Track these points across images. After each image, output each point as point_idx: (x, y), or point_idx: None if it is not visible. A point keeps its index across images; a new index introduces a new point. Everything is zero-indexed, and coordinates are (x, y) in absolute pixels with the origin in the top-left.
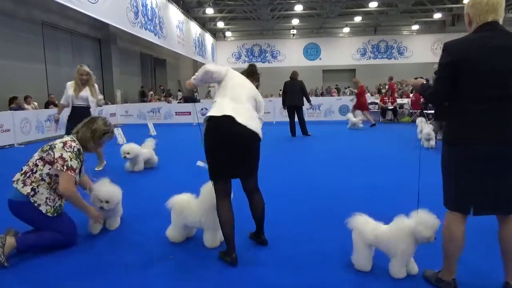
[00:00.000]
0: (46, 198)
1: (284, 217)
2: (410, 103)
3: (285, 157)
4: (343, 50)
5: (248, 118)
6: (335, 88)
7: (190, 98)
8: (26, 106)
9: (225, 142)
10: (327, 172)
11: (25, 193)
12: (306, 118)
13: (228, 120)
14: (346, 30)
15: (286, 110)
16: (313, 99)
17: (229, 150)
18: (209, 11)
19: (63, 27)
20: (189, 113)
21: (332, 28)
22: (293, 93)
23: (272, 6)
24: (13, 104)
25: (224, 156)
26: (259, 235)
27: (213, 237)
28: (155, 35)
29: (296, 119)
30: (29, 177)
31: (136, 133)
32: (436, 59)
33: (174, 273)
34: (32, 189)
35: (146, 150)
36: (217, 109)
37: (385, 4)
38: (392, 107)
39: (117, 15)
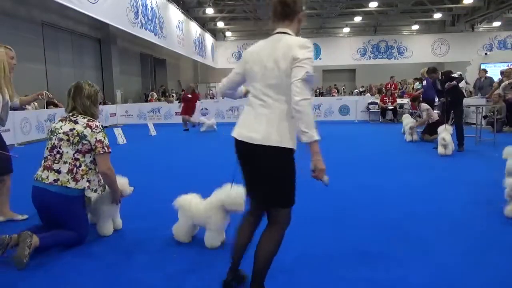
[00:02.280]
0: (98, 181)
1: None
2: (409, 103)
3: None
4: (343, 50)
5: (253, 123)
6: (334, 88)
7: None
8: (26, 106)
9: (239, 161)
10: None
11: (83, 187)
12: None
13: (235, 141)
14: (346, 30)
15: None
16: (313, 99)
17: (242, 169)
18: (209, 11)
19: (63, 27)
20: None
21: (332, 28)
22: None
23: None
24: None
25: (243, 175)
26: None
27: (214, 238)
28: (155, 35)
29: None
30: (76, 172)
31: (137, 133)
32: (437, 59)
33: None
34: (88, 181)
35: None
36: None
37: (385, 4)
38: (392, 107)
39: (117, 15)
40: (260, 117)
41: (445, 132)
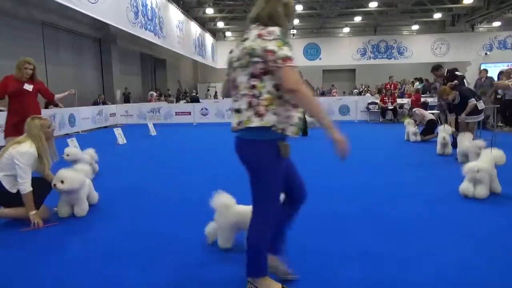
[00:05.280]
0: (287, 117)
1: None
2: (410, 103)
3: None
4: (343, 50)
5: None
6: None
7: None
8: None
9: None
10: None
11: (270, 124)
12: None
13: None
14: (346, 30)
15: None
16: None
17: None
18: (209, 11)
19: (63, 27)
20: (189, 113)
21: (332, 28)
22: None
23: None
24: None
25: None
26: None
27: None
28: (155, 35)
29: None
30: (257, 105)
31: (136, 133)
32: (437, 59)
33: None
34: (275, 113)
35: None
36: None
37: (385, 4)
38: (392, 107)
39: (117, 15)
40: None
41: (444, 132)
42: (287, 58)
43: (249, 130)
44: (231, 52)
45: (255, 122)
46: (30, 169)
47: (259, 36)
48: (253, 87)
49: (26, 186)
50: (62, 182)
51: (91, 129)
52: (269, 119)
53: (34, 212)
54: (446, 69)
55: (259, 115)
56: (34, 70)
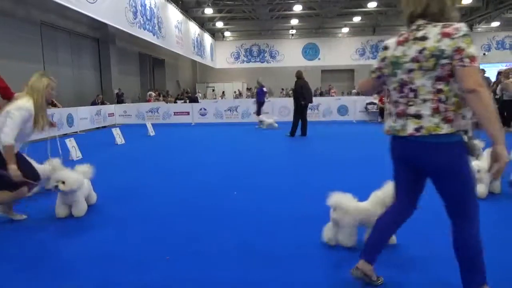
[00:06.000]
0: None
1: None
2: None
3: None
4: (342, 50)
5: None
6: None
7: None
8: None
9: None
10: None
11: (460, 128)
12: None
13: None
14: (345, 30)
15: (294, 109)
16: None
17: None
18: (208, 11)
19: (62, 27)
20: (188, 113)
21: (331, 28)
22: (308, 91)
23: (271, 6)
24: None
25: None
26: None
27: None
28: (154, 35)
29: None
30: (445, 111)
31: (135, 133)
32: None
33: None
34: (463, 117)
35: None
36: None
37: (384, 4)
38: None
39: (116, 15)
40: None
41: None
42: (474, 58)
43: (435, 136)
44: (386, 48)
45: (445, 129)
46: (18, 124)
47: (446, 35)
48: (439, 91)
49: (8, 139)
50: (63, 183)
51: (89, 129)
52: (459, 124)
53: (14, 166)
54: None
55: (447, 121)
56: None
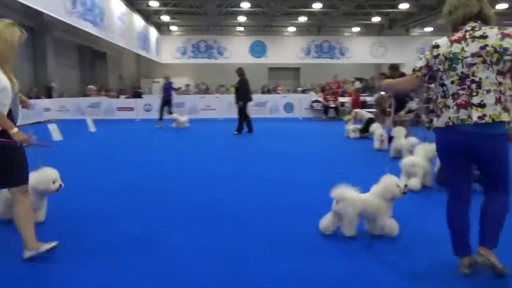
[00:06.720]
0: None
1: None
2: (350, 102)
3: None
4: (289, 48)
5: None
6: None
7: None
8: None
9: None
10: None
11: None
12: (252, 115)
13: None
14: (292, 29)
15: (238, 106)
16: (259, 96)
17: None
18: (154, 3)
19: None
20: (132, 108)
21: (278, 26)
22: (248, 90)
23: (219, 1)
24: None
25: None
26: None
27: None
28: (95, 26)
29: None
30: (505, 101)
31: (74, 129)
32: (374, 60)
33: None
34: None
35: None
36: None
37: (328, 6)
38: (334, 106)
39: (52, 2)
40: None
41: (379, 129)
42: None
43: (495, 124)
44: (437, 46)
45: (505, 117)
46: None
47: (507, 35)
48: (500, 84)
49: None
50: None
51: (21, 125)
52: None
53: (15, 130)
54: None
55: (506, 110)
56: None
